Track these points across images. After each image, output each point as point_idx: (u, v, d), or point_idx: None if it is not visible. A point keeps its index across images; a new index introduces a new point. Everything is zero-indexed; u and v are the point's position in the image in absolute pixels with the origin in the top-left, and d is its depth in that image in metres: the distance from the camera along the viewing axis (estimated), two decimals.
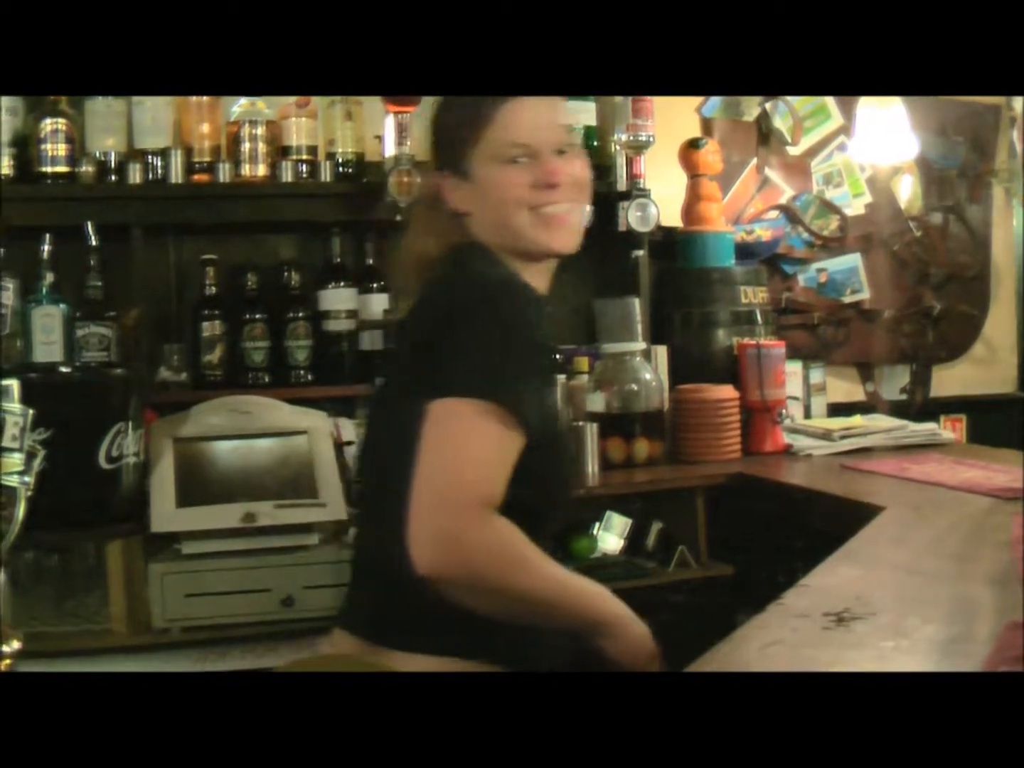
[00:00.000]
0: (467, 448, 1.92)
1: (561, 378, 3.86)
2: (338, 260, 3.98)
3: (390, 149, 3.84)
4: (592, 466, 3.74)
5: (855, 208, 4.93)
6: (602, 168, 4.17)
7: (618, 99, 4.10)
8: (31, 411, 1.79)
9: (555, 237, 2.24)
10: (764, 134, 4.80)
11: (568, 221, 2.25)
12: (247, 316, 3.84)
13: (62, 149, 3.67)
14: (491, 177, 2.20)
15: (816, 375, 4.61)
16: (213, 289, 3.85)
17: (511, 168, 2.19)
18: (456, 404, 1.93)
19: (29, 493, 1.78)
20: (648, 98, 4.08)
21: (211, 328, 3.80)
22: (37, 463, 1.82)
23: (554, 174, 2.19)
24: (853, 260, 4.92)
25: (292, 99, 3.90)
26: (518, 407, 1.94)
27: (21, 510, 1.77)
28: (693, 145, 4.44)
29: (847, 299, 4.91)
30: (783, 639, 1.78)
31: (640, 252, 4.18)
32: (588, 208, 2.34)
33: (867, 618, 1.85)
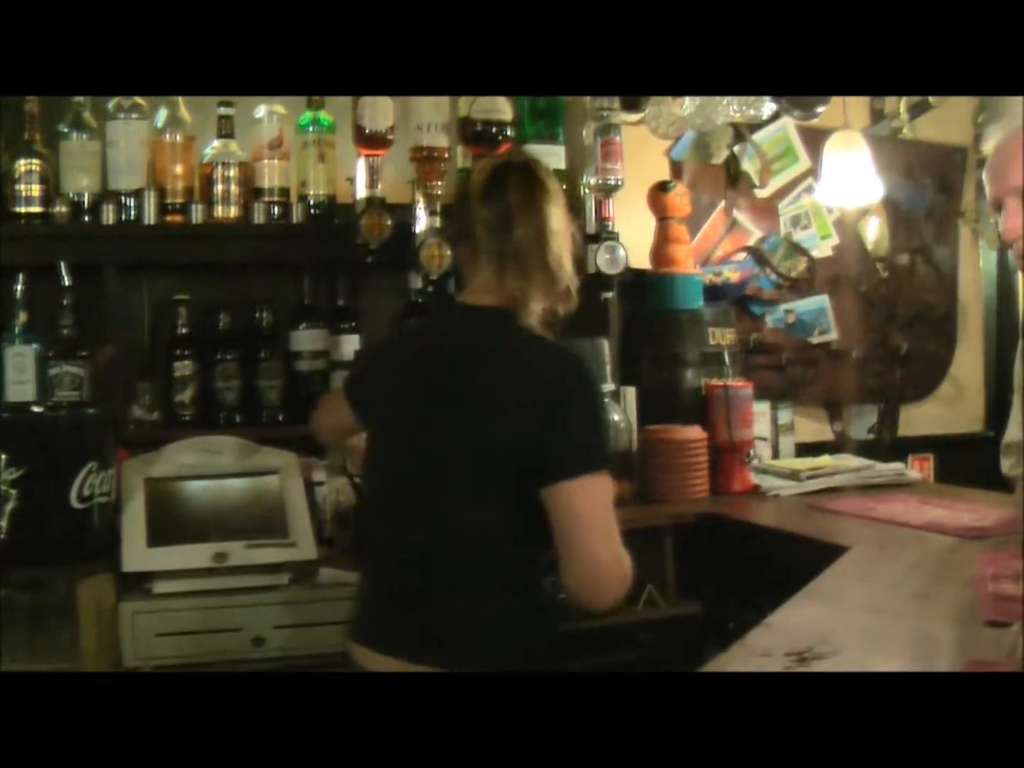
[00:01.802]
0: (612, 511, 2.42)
1: None
2: (309, 301, 4.00)
3: (361, 191, 3.86)
4: None
5: (823, 250, 4.97)
6: (571, 211, 4.20)
7: (587, 142, 4.12)
8: (2, 455, 1.81)
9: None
10: (732, 176, 4.83)
11: None
12: (219, 356, 3.86)
13: (36, 189, 3.69)
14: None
15: (784, 415, 4.64)
16: (185, 329, 3.86)
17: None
18: (599, 479, 2.41)
19: (1, 536, 1.79)
20: (617, 141, 4.10)
21: (183, 368, 3.82)
22: (9, 506, 1.84)
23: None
24: (821, 301, 4.96)
25: (265, 140, 3.93)
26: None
27: None
28: (662, 188, 4.47)
29: (815, 340, 4.95)
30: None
31: (609, 294, 4.19)
32: None
33: (829, 657, 1.87)
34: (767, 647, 1.95)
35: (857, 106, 4.93)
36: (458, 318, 2.68)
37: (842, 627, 2.12)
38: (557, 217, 2.59)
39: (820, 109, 4.33)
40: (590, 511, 2.37)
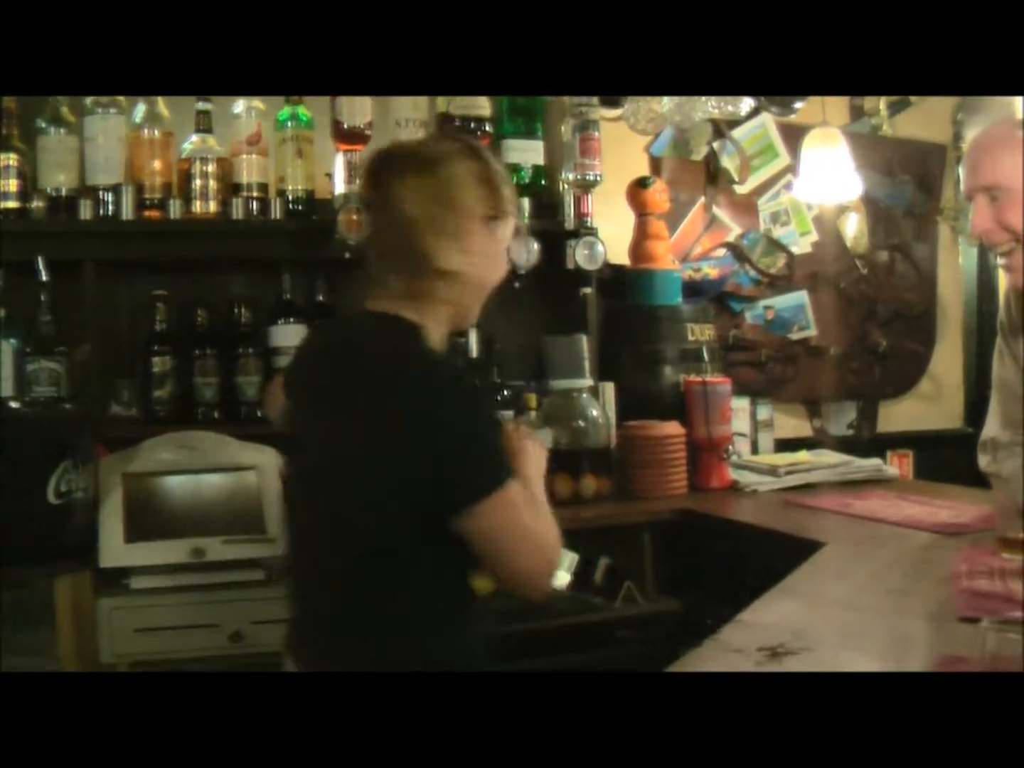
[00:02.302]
0: (521, 518, 2.30)
1: (508, 414, 3.89)
2: (288, 297, 3.99)
3: (340, 187, 3.86)
4: None
5: (802, 246, 4.98)
6: (550, 207, 4.21)
7: (566, 138, 4.13)
8: None
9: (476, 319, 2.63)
10: (712, 173, 4.84)
11: None
12: (197, 352, 3.85)
13: (13, 185, 3.68)
14: (501, 251, 2.51)
15: (763, 411, 4.65)
16: (164, 325, 3.85)
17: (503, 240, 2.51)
18: (497, 498, 2.25)
19: None
20: (596, 137, 4.11)
21: (161, 364, 3.81)
22: None
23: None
24: (800, 298, 4.97)
25: (243, 136, 3.92)
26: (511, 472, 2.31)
27: None
28: (641, 184, 4.47)
29: (794, 336, 4.96)
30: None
31: (588, 290, 4.20)
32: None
33: (801, 653, 1.87)
34: (740, 643, 1.95)
35: (836, 103, 4.95)
36: (347, 322, 2.74)
37: (816, 623, 2.13)
38: (417, 204, 2.36)
39: (799, 105, 4.35)
40: (499, 532, 2.28)
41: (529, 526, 2.30)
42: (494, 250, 2.48)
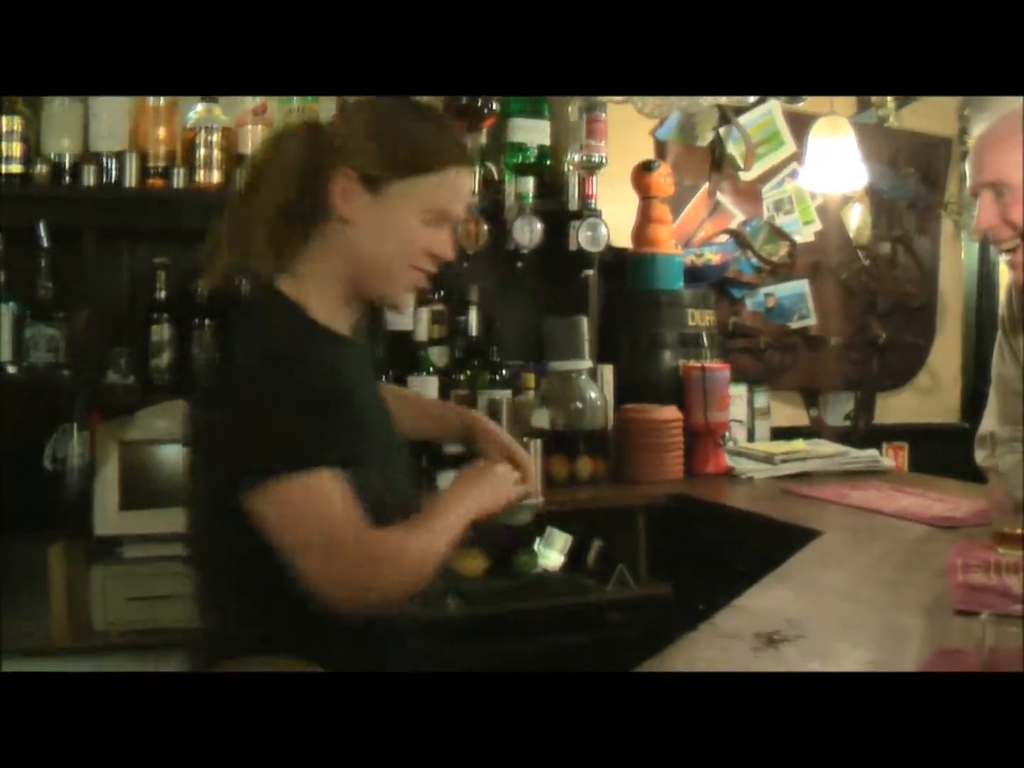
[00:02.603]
0: (317, 520, 2.01)
1: (507, 394, 3.89)
2: None
3: None
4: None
5: (805, 235, 4.98)
6: (554, 187, 4.20)
7: (572, 118, 4.12)
8: None
9: (404, 300, 2.32)
10: (717, 159, 4.84)
11: (418, 286, 2.29)
12: (196, 322, 3.84)
13: (17, 149, 3.66)
14: (403, 220, 2.19)
15: (761, 399, 4.66)
16: (164, 294, 3.84)
17: (424, 225, 2.20)
18: (287, 486, 1.99)
19: None
20: (603, 118, 4.11)
21: (160, 332, 3.80)
22: None
23: (448, 251, 2.25)
24: (801, 286, 4.97)
25: (249, 106, 3.90)
26: (320, 460, 2.02)
27: None
28: (646, 168, 4.46)
29: (794, 325, 4.96)
30: (712, 658, 1.81)
31: (590, 272, 4.20)
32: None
33: (796, 640, 1.88)
34: (736, 629, 1.96)
35: None
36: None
37: (811, 611, 2.13)
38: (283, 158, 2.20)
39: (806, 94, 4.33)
40: (280, 524, 2.00)
41: (334, 522, 2.01)
42: (379, 217, 2.18)
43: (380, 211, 2.17)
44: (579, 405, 3.93)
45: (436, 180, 2.19)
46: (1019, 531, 2.52)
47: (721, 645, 1.87)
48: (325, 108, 3.91)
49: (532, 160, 4.08)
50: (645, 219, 4.47)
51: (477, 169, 2.12)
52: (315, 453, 2.02)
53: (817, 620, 2.06)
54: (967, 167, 2.97)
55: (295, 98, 3.91)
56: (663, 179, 4.47)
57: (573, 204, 4.15)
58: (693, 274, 4.56)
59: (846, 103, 4.98)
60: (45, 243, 3.58)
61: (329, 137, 2.21)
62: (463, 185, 2.25)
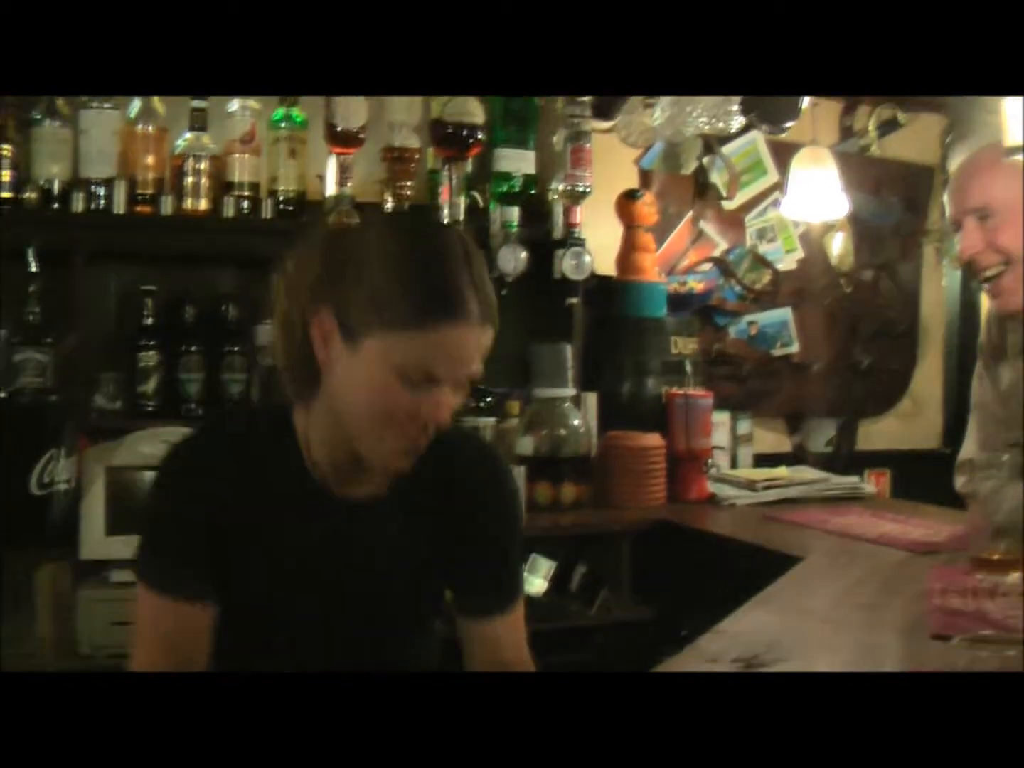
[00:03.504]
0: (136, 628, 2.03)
1: (491, 421, 3.91)
2: None
3: (331, 189, 3.88)
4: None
5: (787, 263, 5.01)
6: (539, 216, 4.23)
7: (558, 147, 4.15)
8: None
9: (396, 464, 1.98)
10: (701, 188, 4.86)
11: (412, 450, 1.96)
12: (183, 348, 3.85)
13: (6, 175, 3.67)
14: (380, 379, 1.86)
15: (744, 426, 4.68)
16: (151, 320, 3.85)
17: (406, 386, 1.86)
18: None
19: None
20: (587, 148, 4.13)
21: (147, 358, 3.81)
22: None
23: (440, 414, 1.89)
24: (784, 314, 5.00)
25: (237, 135, 3.93)
26: (143, 576, 2.01)
27: None
28: (630, 196, 4.49)
29: (777, 352, 4.99)
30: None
31: (574, 299, 4.21)
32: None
33: (775, 664, 1.90)
34: (716, 652, 1.98)
35: (826, 122, 4.99)
36: None
37: (790, 635, 2.15)
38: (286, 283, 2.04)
39: (789, 124, 4.36)
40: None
41: (139, 636, 2.03)
42: (355, 371, 1.89)
43: (356, 365, 1.87)
44: (563, 431, 3.96)
45: (421, 338, 1.83)
46: (996, 556, 2.54)
47: (702, 668, 1.90)
48: (313, 136, 3.95)
49: (517, 189, 4.10)
50: (629, 247, 4.49)
51: (491, 325, 1.77)
52: (143, 568, 2.01)
53: (796, 643, 2.08)
54: (947, 197, 3.00)
55: (283, 125, 3.93)
56: (647, 208, 4.50)
57: (558, 232, 4.17)
58: (677, 302, 4.58)
59: (828, 132, 5.01)
60: (34, 268, 3.59)
61: (322, 265, 1.94)
62: (462, 344, 1.87)
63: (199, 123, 3.89)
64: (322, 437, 2.00)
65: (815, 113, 4.66)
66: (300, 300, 1.95)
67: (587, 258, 4.12)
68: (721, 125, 4.31)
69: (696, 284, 4.70)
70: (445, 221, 2.11)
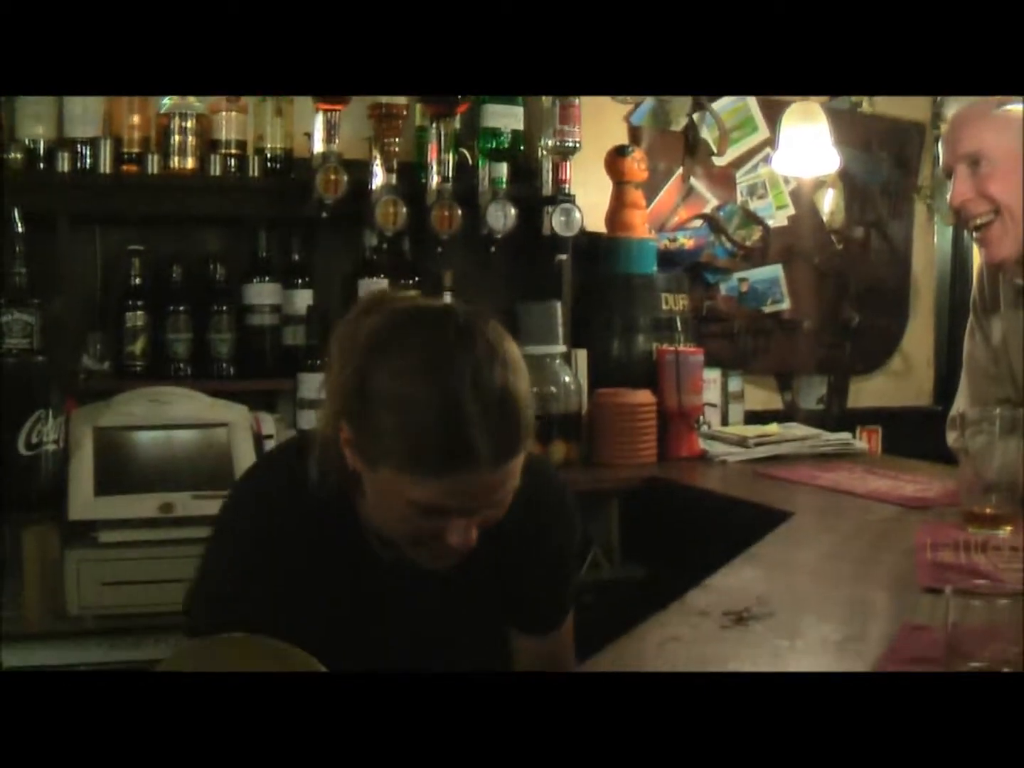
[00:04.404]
0: None
1: None
2: (263, 255, 3.99)
3: (319, 146, 3.85)
4: None
5: (778, 220, 4.98)
6: (528, 172, 4.21)
7: (546, 104, 4.12)
8: None
9: (434, 565, 1.96)
10: (691, 144, 4.84)
11: (454, 555, 1.92)
12: (171, 308, 3.84)
13: None
14: (393, 503, 1.86)
15: (734, 383, 4.66)
16: (138, 280, 3.84)
17: (418, 512, 1.83)
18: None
19: None
20: (576, 104, 4.11)
21: (134, 319, 3.80)
22: None
23: (458, 537, 1.86)
24: (774, 271, 4.98)
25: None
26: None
27: None
28: (620, 152, 4.46)
29: (767, 309, 4.97)
30: (681, 636, 1.82)
31: (564, 256, 4.20)
32: None
33: (765, 618, 1.89)
34: (705, 606, 1.98)
35: None
36: None
37: (780, 589, 2.15)
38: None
39: None
40: None
41: None
42: (372, 487, 1.89)
43: (377, 485, 1.87)
44: (553, 389, 3.94)
45: (434, 484, 1.78)
46: (988, 511, 2.54)
47: (691, 623, 1.89)
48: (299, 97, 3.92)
49: (506, 145, 4.09)
50: (619, 204, 4.47)
51: (516, 453, 1.70)
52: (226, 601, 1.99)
53: (786, 597, 2.08)
54: (941, 144, 3.02)
55: None
56: (637, 164, 4.47)
57: (547, 189, 4.16)
58: (667, 259, 4.57)
59: None
60: (19, 229, 3.57)
61: (339, 381, 1.88)
62: (478, 485, 1.81)
63: None
64: (375, 526, 1.99)
65: None
66: (332, 404, 1.91)
67: (577, 215, 4.11)
68: None
69: (686, 241, 4.68)
70: (477, 313, 1.82)
